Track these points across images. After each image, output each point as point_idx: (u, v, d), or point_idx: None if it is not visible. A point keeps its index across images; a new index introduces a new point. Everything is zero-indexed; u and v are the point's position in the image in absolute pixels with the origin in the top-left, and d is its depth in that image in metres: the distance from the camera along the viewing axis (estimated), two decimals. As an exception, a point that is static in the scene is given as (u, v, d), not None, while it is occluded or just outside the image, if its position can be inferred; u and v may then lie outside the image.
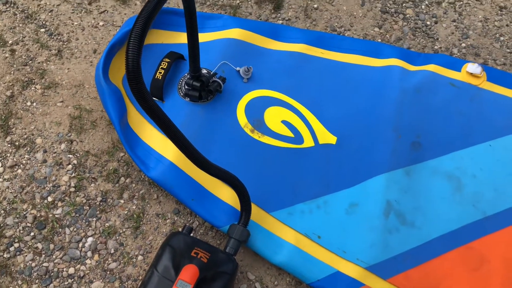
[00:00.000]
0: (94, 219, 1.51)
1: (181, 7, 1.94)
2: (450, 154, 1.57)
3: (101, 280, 1.42)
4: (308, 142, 1.58)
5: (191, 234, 1.38)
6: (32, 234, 1.47)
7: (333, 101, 1.67)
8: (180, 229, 1.48)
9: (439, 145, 1.59)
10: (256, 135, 1.59)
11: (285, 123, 1.61)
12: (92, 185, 1.56)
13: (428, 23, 2.00)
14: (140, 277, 1.42)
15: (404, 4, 2.05)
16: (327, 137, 1.59)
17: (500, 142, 1.61)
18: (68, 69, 1.80)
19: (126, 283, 1.41)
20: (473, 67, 1.71)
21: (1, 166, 1.58)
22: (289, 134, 1.59)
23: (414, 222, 1.44)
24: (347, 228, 1.44)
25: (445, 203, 1.49)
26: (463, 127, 1.63)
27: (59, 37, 1.88)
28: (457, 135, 1.61)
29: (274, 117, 1.63)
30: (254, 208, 1.45)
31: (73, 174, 1.57)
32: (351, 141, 1.59)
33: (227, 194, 1.48)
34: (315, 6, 2.03)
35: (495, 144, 1.60)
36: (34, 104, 1.71)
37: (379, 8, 2.03)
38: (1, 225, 1.48)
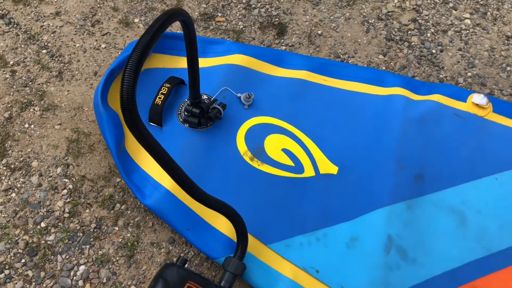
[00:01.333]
0: (88, 246, 1.47)
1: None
2: (454, 188, 1.53)
3: (91, 311, 1.38)
4: (309, 172, 1.55)
5: (186, 266, 1.34)
6: (23, 260, 1.44)
7: (335, 129, 1.64)
8: (174, 260, 1.44)
9: (443, 177, 1.54)
10: (256, 163, 1.55)
11: (286, 151, 1.58)
12: (87, 211, 1.53)
13: (434, 51, 1.97)
14: (132, 309, 1.38)
15: (409, 32, 2.03)
16: (328, 167, 1.56)
17: (506, 175, 1.56)
18: (68, 91, 1.78)
19: (117, 314, 1.38)
20: (478, 98, 1.67)
21: (-4, 189, 1.56)
22: (290, 163, 1.56)
23: (415, 259, 1.40)
24: (346, 263, 1.39)
25: (448, 238, 1.44)
26: (468, 160, 1.58)
27: (60, 59, 1.87)
28: (461, 168, 1.57)
29: (274, 145, 1.59)
30: (251, 239, 1.41)
31: (68, 199, 1.54)
32: (353, 171, 1.55)
33: (223, 224, 1.44)
34: (319, 32, 2.01)
35: (501, 177, 1.56)
36: (32, 126, 1.69)
37: (384, 35, 2.01)
38: (-8, 250, 1.45)
